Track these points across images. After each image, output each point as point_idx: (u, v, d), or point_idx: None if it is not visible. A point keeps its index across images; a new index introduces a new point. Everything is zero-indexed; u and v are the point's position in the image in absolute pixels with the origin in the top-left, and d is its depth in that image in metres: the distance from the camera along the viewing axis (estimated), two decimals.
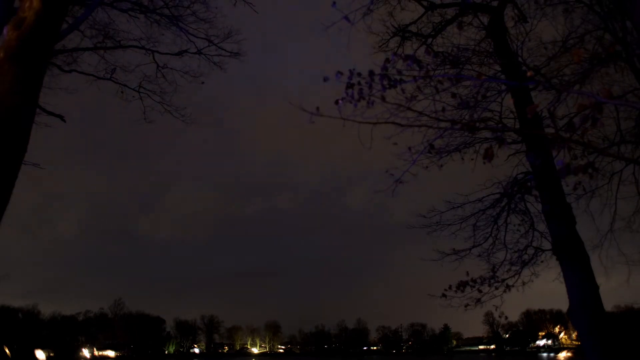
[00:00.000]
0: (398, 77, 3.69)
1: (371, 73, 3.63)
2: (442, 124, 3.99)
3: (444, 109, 4.07)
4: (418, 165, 7.83)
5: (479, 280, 9.10)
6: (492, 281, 9.21)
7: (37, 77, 5.51)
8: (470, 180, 9.42)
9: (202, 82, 11.81)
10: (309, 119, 3.81)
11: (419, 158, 6.56)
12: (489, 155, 3.72)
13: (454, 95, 5.13)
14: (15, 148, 5.18)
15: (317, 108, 3.79)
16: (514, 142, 8.76)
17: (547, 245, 9.15)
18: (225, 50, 11.51)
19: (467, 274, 9.04)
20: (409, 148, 5.31)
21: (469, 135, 8.16)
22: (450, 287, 8.90)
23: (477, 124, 4.21)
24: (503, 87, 8.20)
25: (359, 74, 3.66)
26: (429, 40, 10.15)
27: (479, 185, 9.23)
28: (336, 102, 3.81)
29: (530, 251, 9.36)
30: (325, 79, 3.70)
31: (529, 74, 4.36)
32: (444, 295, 8.94)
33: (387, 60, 3.71)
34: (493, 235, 9.64)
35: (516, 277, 9.34)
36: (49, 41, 5.72)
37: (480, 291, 9.09)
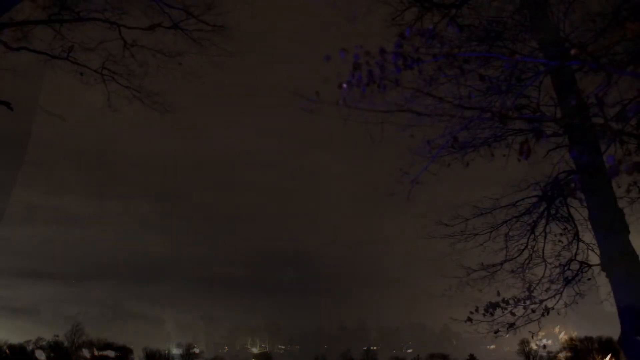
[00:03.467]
0: (415, 56, 3.68)
1: (382, 51, 3.62)
2: (468, 113, 3.99)
3: (470, 95, 4.07)
4: (438, 162, 7.85)
5: (512, 302, 9.10)
6: (527, 302, 9.21)
7: None
8: (502, 181, 9.42)
9: (180, 63, 11.83)
10: (307, 106, 3.80)
11: (440, 154, 6.56)
12: (525, 151, 3.72)
13: (482, 78, 5.12)
14: None
15: (317, 93, 3.78)
16: (554, 134, 8.74)
17: (594, 259, 9.15)
18: (206, 23, 11.53)
19: (498, 293, 9.04)
20: (428, 142, 5.30)
21: (500, 126, 8.14)
22: (477, 310, 8.90)
23: (510, 113, 4.21)
24: (541, 67, 8.17)
25: (368, 53, 3.65)
26: (453, 11, 10.16)
27: (512, 187, 9.23)
28: (340, 86, 3.80)
29: (575, 266, 9.37)
30: (327, 58, 3.69)
31: (572, 51, 4.33)
32: (469, 320, 8.94)
33: (401, 35, 3.70)
34: (529, 247, 9.64)
35: (557, 297, 9.34)
36: None
37: (513, 314, 9.08)
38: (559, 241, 9.60)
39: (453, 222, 9.68)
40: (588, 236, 9.31)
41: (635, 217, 8.52)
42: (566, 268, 9.40)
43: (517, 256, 9.70)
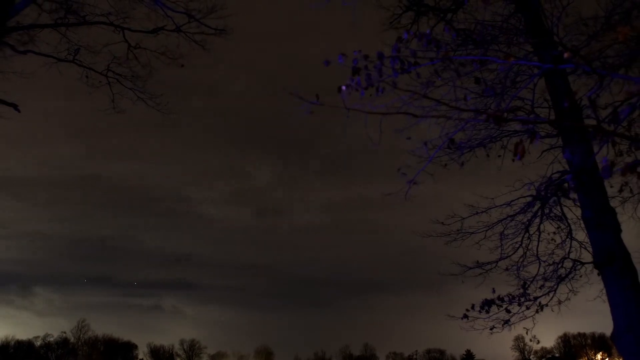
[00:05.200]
0: (412, 60, 3.69)
1: (380, 55, 3.62)
2: (464, 115, 4.00)
3: (466, 97, 4.07)
4: (435, 163, 7.87)
5: (507, 299, 9.12)
6: (522, 300, 9.23)
7: None
8: (497, 181, 9.44)
9: (182, 65, 11.85)
10: (307, 109, 3.81)
11: (437, 154, 6.59)
12: (519, 151, 3.72)
13: (477, 81, 5.14)
14: None
15: (317, 96, 3.79)
16: (548, 135, 8.77)
17: (587, 257, 9.17)
18: (208, 27, 11.55)
19: (494, 291, 9.07)
20: (425, 143, 5.32)
21: (495, 127, 8.16)
22: (473, 307, 8.93)
23: (505, 114, 4.22)
24: (535, 70, 8.20)
25: (366, 57, 3.66)
26: (449, 15, 10.17)
27: (507, 187, 9.24)
28: (339, 89, 3.81)
29: (568, 264, 9.38)
30: (327, 63, 3.70)
31: (565, 55, 4.34)
32: (465, 317, 8.97)
33: (399, 39, 3.70)
34: (524, 245, 9.65)
35: (551, 294, 9.36)
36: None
37: (508, 311, 9.11)
38: (553, 240, 9.61)
39: (449, 221, 9.69)
40: (581, 235, 9.32)
41: (627, 216, 8.55)
42: (559, 266, 9.41)
43: (512, 254, 9.71)
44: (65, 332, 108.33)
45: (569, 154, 7.82)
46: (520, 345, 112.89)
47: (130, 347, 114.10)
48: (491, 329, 9.21)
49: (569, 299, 9.47)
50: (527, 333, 9.51)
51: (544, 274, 9.46)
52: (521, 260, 9.65)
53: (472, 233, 9.65)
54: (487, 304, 8.91)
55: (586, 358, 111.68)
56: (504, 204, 9.39)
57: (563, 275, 9.35)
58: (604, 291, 7.90)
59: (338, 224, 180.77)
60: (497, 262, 9.68)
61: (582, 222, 8.60)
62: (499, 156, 9.06)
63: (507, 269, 9.67)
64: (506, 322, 9.21)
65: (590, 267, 8.94)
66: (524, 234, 9.60)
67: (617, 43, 6.43)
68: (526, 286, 9.36)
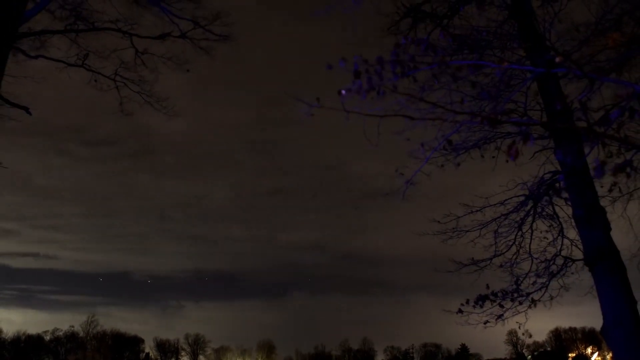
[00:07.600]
0: (411, 65, 3.69)
1: (380, 59, 3.63)
2: (460, 117, 4.00)
3: (462, 100, 4.07)
4: (432, 164, 7.87)
5: (500, 294, 9.13)
6: (515, 295, 9.23)
7: None
8: (491, 181, 9.45)
9: (188, 70, 11.87)
10: (307, 111, 3.81)
11: (433, 155, 6.59)
12: (512, 153, 3.73)
13: (473, 85, 5.14)
14: None
15: (317, 99, 3.79)
16: (540, 137, 8.77)
17: (578, 254, 9.17)
18: (213, 33, 11.56)
19: (487, 286, 9.07)
20: (422, 144, 5.31)
21: (489, 129, 8.17)
22: (467, 302, 8.93)
23: (499, 117, 4.23)
24: (528, 74, 8.20)
25: (366, 61, 3.67)
26: (445, 21, 10.16)
27: (500, 187, 9.25)
28: (339, 93, 3.81)
29: (559, 261, 9.39)
30: (329, 67, 3.70)
31: (557, 59, 4.35)
32: (460, 311, 8.96)
33: (397, 44, 3.71)
34: (517, 243, 9.66)
35: (543, 290, 9.36)
36: (12, 22, 5.73)
37: (502, 306, 9.11)
38: (545, 237, 9.61)
39: (445, 220, 9.70)
40: (572, 233, 9.33)
41: (616, 215, 8.54)
42: (551, 263, 9.41)
43: (506, 251, 9.72)
44: (73, 327, 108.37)
45: (560, 155, 7.82)
46: (513, 340, 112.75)
47: (137, 341, 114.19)
48: (485, 324, 9.22)
49: (561, 295, 9.48)
50: (520, 327, 9.52)
51: (536, 270, 9.46)
52: (514, 257, 9.66)
53: (467, 231, 9.66)
54: (481, 299, 8.91)
55: (577, 352, 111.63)
56: (498, 203, 9.41)
57: (555, 272, 9.36)
58: (594, 287, 7.91)
59: None
60: (491, 259, 9.68)
61: (573, 220, 8.60)
62: (493, 157, 9.07)
63: (501, 266, 9.68)
64: (500, 316, 9.21)
65: (581, 264, 8.94)
66: (517, 232, 9.61)
67: (608, 48, 6.43)
68: (519, 282, 9.37)
